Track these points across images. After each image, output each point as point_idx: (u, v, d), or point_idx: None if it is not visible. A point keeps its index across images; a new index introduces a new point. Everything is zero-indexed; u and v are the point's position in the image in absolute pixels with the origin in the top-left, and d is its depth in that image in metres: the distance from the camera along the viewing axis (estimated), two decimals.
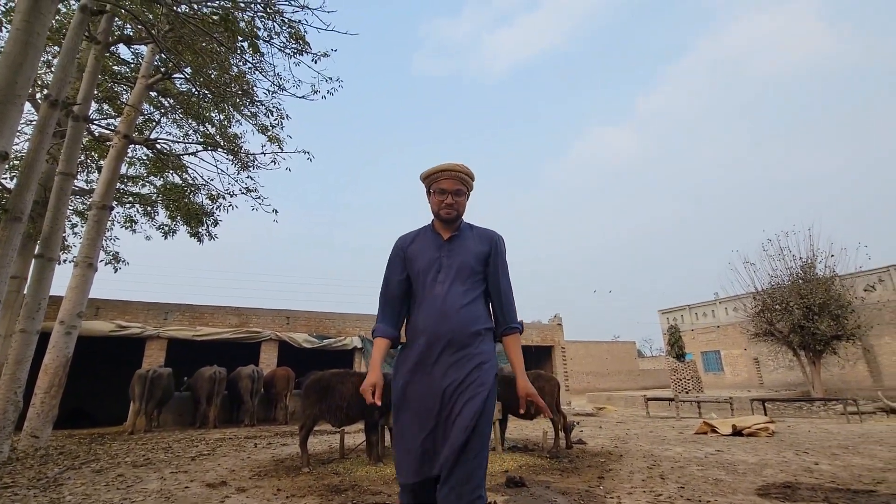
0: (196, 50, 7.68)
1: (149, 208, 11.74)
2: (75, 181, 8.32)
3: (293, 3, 7.10)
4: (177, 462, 5.59)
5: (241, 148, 10.55)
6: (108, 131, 10.07)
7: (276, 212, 10.67)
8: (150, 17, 7.70)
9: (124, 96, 10.18)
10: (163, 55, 8.72)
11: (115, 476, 4.72)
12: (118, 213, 11.76)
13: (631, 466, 4.85)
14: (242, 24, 7.62)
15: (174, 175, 11.07)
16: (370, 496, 3.65)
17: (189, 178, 10.97)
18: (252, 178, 10.83)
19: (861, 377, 20.41)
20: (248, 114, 10.08)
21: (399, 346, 1.88)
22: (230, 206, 11.12)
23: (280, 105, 10.09)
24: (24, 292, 6.93)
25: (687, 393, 18.55)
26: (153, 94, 10.09)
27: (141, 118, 9.89)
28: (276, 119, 10.11)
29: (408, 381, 1.69)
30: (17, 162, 9.34)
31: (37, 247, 6.78)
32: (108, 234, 11.60)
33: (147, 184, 11.76)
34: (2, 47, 5.57)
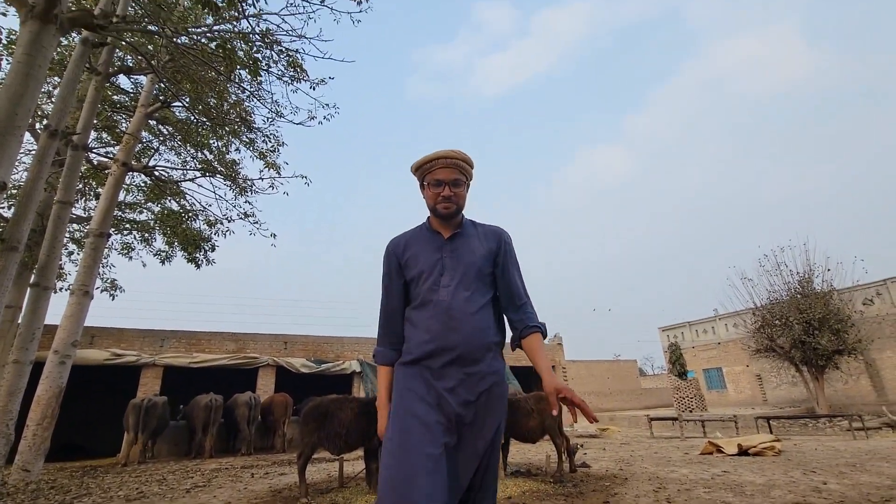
0: (195, 79, 7.82)
1: (146, 235, 11.75)
2: (73, 209, 8.34)
3: (291, 33, 7.27)
4: (171, 495, 5.44)
5: (238, 174, 10.63)
6: (106, 159, 10.16)
7: (275, 236, 10.69)
8: (151, 48, 7.87)
9: (123, 125, 10.30)
10: (162, 84, 8.87)
11: None
12: (115, 239, 11.76)
13: (637, 490, 4.75)
14: (241, 54, 7.78)
15: (172, 201, 11.12)
16: None
17: (187, 204, 11.02)
18: (250, 203, 10.90)
19: (865, 392, 20.22)
20: (247, 140, 10.20)
21: None
22: (228, 231, 11.15)
23: (278, 132, 10.24)
24: (19, 322, 6.86)
25: (690, 412, 18.31)
26: (152, 122, 10.21)
27: (139, 146, 9.98)
28: (273, 145, 10.24)
29: (405, 399, 1.45)
30: (16, 191, 9.38)
31: (33, 275, 6.74)
32: (104, 261, 11.57)
33: (145, 210, 11.80)
34: (3, 79, 5.66)
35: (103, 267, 11.59)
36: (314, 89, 8.38)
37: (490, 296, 1.58)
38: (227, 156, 10.78)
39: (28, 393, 6.17)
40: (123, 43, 7.14)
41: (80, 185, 10.51)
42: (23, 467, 6.38)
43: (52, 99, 8.74)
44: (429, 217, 1.69)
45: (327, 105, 8.94)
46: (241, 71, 8.14)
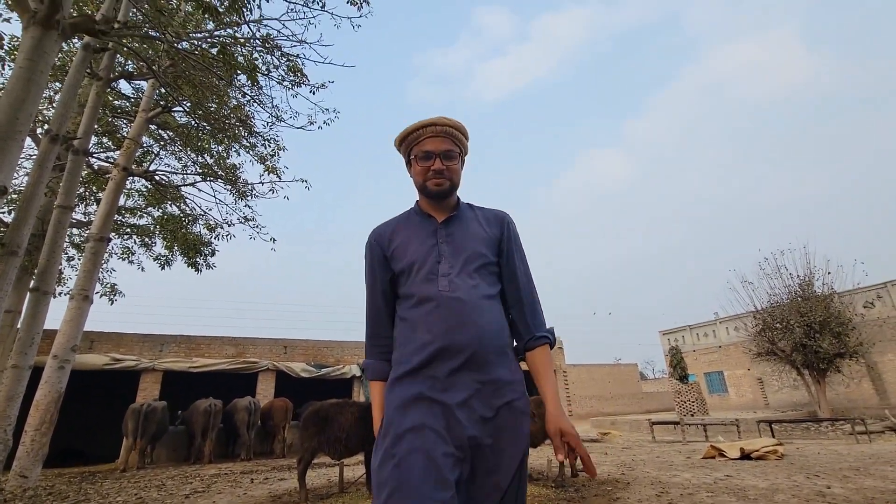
0: (195, 84, 7.84)
1: (146, 239, 11.74)
2: (73, 213, 8.34)
3: (291, 38, 7.29)
4: (170, 501, 5.40)
5: (239, 178, 10.64)
6: (107, 164, 10.17)
7: (274, 240, 10.68)
8: (151, 53, 7.89)
9: (124, 129, 10.32)
10: (163, 89, 8.89)
11: None
12: (115, 244, 11.75)
13: (639, 494, 4.72)
14: (241, 59, 7.81)
15: (172, 206, 11.12)
16: None
17: (187, 208, 11.02)
18: (250, 207, 10.90)
19: (867, 395, 20.14)
20: (247, 144, 10.22)
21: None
22: (228, 235, 11.15)
23: (278, 136, 10.25)
24: (18, 326, 6.84)
25: (692, 415, 18.24)
26: (153, 126, 10.23)
27: (140, 150, 10.00)
28: (273, 149, 10.25)
29: (401, 425, 1.14)
30: (16, 196, 9.38)
31: (32, 280, 6.73)
32: (104, 265, 11.56)
33: (145, 215, 11.81)
34: (4, 84, 5.68)
35: (103, 271, 11.58)
36: (314, 94, 8.41)
37: (497, 289, 1.33)
38: (228, 160, 10.80)
39: (27, 398, 6.15)
40: (124, 48, 7.16)
41: (81, 190, 10.52)
42: (21, 473, 6.34)
43: (54, 104, 8.76)
44: (417, 200, 1.44)
45: (327, 110, 8.98)
46: (242, 76, 8.18)
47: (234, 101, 9.16)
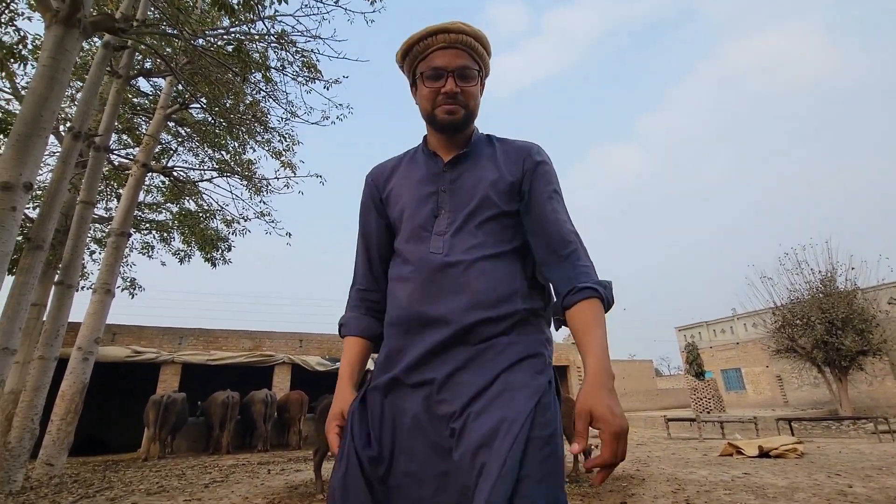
0: (212, 80, 7.95)
1: (165, 234, 11.97)
2: (95, 209, 8.54)
3: (305, 34, 7.33)
4: (190, 489, 5.53)
5: (255, 173, 10.77)
6: (127, 160, 10.37)
7: (290, 234, 10.81)
8: (169, 51, 8.00)
9: (143, 126, 10.51)
10: (180, 86, 9.02)
11: None
12: (136, 239, 12.01)
13: (655, 491, 4.69)
14: (256, 56, 7.88)
15: (190, 201, 11.32)
16: None
17: (204, 203, 11.20)
18: (265, 203, 11.03)
19: (890, 394, 19.64)
20: (262, 140, 10.33)
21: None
22: (244, 230, 11.31)
23: (293, 131, 10.34)
24: (44, 319, 7.04)
25: (708, 413, 18.00)
26: (171, 123, 10.41)
27: (159, 147, 10.18)
28: (288, 145, 10.35)
29: (370, 404, 0.98)
30: (41, 192, 9.63)
31: (57, 274, 6.91)
32: (125, 260, 11.82)
33: (164, 210, 12.03)
34: (28, 83, 5.82)
35: (124, 266, 11.85)
36: (328, 89, 8.45)
37: (513, 246, 1.04)
38: (244, 156, 10.94)
39: (52, 388, 6.33)
40: (143, 46, 7.28)
41: (102, 186, 10.75)
42: (47, 461, 6.55)
43: (75, 102, 8.95)
44: (425, 135, 1.17)
45: (341, 105, 9.03)
46: (257, 73, 8.25)
47: (250, 98, 9.26)
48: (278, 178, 10.61)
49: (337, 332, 1.16)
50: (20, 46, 6.37)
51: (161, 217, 12.11)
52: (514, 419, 0.80)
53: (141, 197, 10.68)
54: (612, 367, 0.84)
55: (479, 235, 1.01)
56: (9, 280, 4.44)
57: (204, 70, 7.62)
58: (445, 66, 1.04)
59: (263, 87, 8.92)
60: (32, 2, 7.11)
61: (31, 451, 5.92)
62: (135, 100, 10.35)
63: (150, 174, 9.60)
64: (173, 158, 11.19)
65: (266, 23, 7.26)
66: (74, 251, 6.73)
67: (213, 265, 11.45)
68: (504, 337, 0.94)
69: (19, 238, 5.25)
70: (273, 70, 8.13)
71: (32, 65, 7.74)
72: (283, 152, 10.38)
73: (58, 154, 5.79)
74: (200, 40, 7.05)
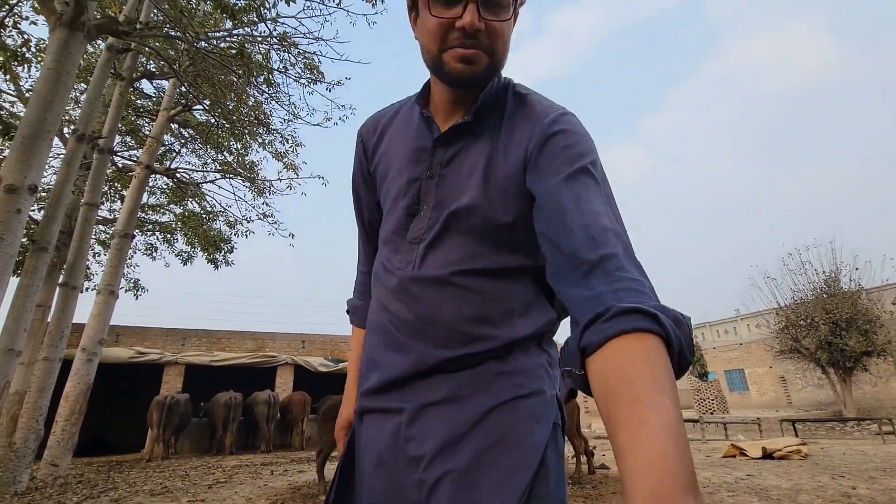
0: (215, 82, 7.98)
1: (168, 236, 12.02)
2: (99, 211, 8.58)
3: (308, 36, 7.35)
4: (194, 490, 5.55)
5: (257, 175, 10.81)
6: (130, 162, 10.42)
7: (293, 236, 10.84)
8: (172, 53, 8.04)
9: (146, 128, 10.56)
10: (183, 88, 9.06)
11: None
12: (139, 240, 12.07)
13: None
14: (259, 57, 7.90)
15: (193, 203, 11.36)
16: None
17: (207, 205, 11.25)
18: (268, 204, 11.07)
19: (895, 395, 19.54)
20: (265, 142, 10.37)
21: None
22: (247, 231, 11.35)
23: (295, 133, 10.38)
24: (48, 320, 7.08)
25: (711, 414, 17.96)
26: (174, 125, 10.46)
27: (162, 149, 10.22)
28: (290, 146, 10.38)
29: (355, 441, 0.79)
30: (45, 194, 9.69)
31: (61, 275, 6.95)
32: (128, 261, 11.87)
33: (167, 212, 12.08)
34: (32, 86, 5.86)
35: (127, 267, 11.90)
36: (330, 91, 8.48)
37: (522, 259, 0.74)
38: (246, 157, 10.98)
39: (57, 389, 6.36)
40: (146, 48, 7.32)
41: (106, 188, 10.81)
42: (51, 462, 6.58)
43: (79, 104, 9.00)
44: (427, 83, 0.83)
45: (343, 106, 9.05)
46: (260, 76, 8.29)
47: (252, 100, 9.30)
48: (281, 180, 10.65)
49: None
50: (24, 49, 6.41)
51: (164, 218, 12.17)
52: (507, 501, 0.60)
53: (144, 198, 10.72)
54: None
55: (462, 247, 0.73)
56: (13, 282, 4.47)
57: (207, 72, 7.66)
58: None
59: (266, 90, 8.96)
60: (37, 5, 7.15)
61: (35, 451, 5.94)
62: (138, 102, 10.40)
63: (153, 176, 9.64)
64: (176, 160, 11.23)
65: (268, 25, 7.29)
66: (78, 253, 6.76)
67: (216, 266, 11.49)
68: (493, 363, 0.70)
69: (24, 240, 5.29)
70: (276, 72, 8.17)
71: (37, 68, 7.80)
72: (286, 154, 10.42)
73: (62, 156, 5.83)
74: (203, 42, 7.09)
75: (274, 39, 7.53)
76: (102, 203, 10.71)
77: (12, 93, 8.34)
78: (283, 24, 7.49)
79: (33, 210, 9.59)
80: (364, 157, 0.90)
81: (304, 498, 4.80)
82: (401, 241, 0.78)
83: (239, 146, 10.84)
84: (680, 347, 0.48)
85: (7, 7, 6.37)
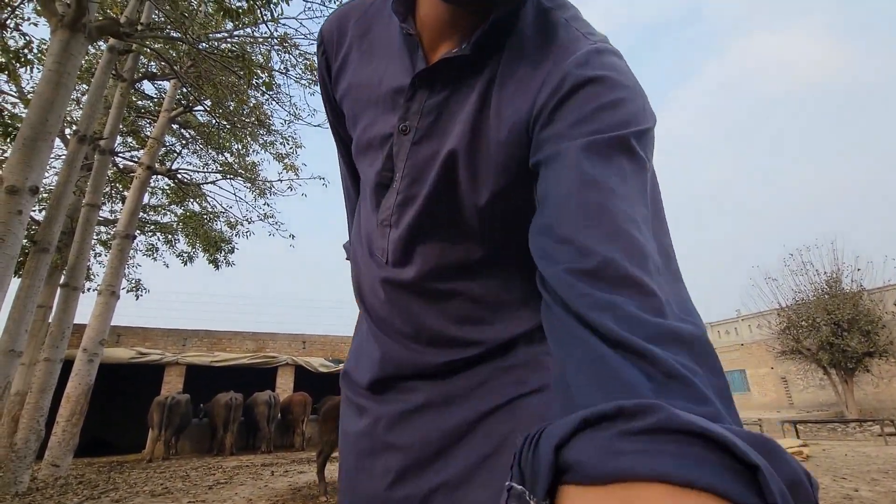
0: (215, 83, 7.99)
1: (169, 236, 12.04)
2: (100, 212, 8.60)
3: (308, 36, 7.35)
4: (194, 491, 5.55)
5: (258, 175, 10.82)
6: (132, 163, 10.43)
7: (293, 237, 10.85)
8: (173, 54, 8.05)
9: (147, 129, 10.57)
10: (184, 89, 9.08)
11: None
12: (140, 241, 12.08)
13: None
14: (259, 58, 7.91)
15: (194, 203, 11.38)
16: None
17: (208, 206, 11.26)
18: (269, 205, 11.09)
19: None
20: (266, 143, 10.38)
21: None
22: (248, 232, 11.36)
23: (296, 134, 10.39)
24: (49, 321, 7.09)
25: None
26: (175, 126, 10.47)
27: (163, 149, 10.24)
28: (291, 147, 10.39)
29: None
30: (46, 195, 9.71)
31: (62, 276, 6.96)
32: (129, 261, 11.89)
33: (168, 212, 12.10)
34: (34, 88, 5.87)
35: (129, 268, 11.92)
36: None
37: (518, 244, 0.51)
38: (247, 158, 10.99)
39: (58, 390, 6.37)
40: (148, 50, 7.34)
41: (107, 189, 10.82)
42: (52, 462, 6.59)
43: (81, 105, 9.02)
44: None
45: None
46: (259, 79, 8.30)
47: (253, 101, 9.31)
48: (281, 181, 10.66)
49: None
50: (26, 51, 6.42)
51: (165, 219, 12.18)
52: None
53: (145, 199, 10.74)
54: None
55: (441, 236, 0.56)
56: (15, 282, 4.47)
57: (208, 73, 7.67)
58: None
59: (266, 91, 8.98)
60: (38, 7, 7.17)
61: (36, 452, 5.95)
62: (139, 103, 10.42)
63: (154, 176, 9.65)
64: (177, 161, 11.25)
65: (269, 26, 7.30)
66: (80, 253, 6.77)
67: (217, 267, 11.50)
68: (490, 361, 0.58)
69: (25, 241, 5.30)
70: (276, 73, 8.18)
71: (38, 69, 7.82)
72: (287, 155, 10.43)
73: (63, 157, 5.84)
74: (204, 44, 7.10)
75: (275, 40, 7.53)
76: (103, 204, 10.73)
77: (14, 94, 8.37)
78: (283, 24, 7.51)
79: (34, 211, 9.60)
80: (328, 77, 0.65)
81: (305, 499, 4.80)
82: (372, 221, 0.61)
83: (240, 147, 10.86)
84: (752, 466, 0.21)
85: (9, 8, 6.39)
